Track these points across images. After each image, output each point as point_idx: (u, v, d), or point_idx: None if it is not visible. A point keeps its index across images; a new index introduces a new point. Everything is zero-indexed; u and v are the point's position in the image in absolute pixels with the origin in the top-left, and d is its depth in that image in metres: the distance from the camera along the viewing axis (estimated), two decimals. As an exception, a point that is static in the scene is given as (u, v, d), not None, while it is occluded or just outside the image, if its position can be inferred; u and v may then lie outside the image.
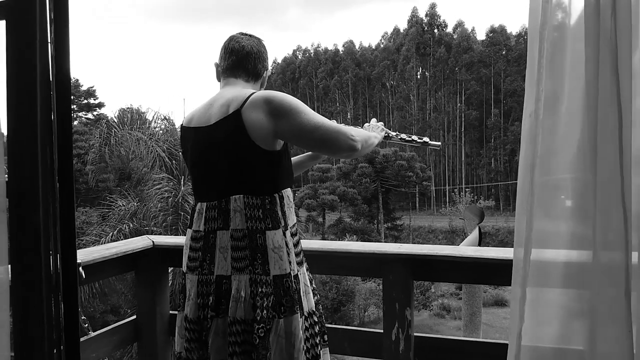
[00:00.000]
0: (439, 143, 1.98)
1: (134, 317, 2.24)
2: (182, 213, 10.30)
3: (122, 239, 9.58)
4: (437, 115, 62.88)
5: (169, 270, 5.63)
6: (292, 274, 1.52)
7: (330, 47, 71.69)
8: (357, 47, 70.92)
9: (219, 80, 1.72)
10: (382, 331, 1.92)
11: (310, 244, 1.95)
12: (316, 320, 1.61)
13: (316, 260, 1.87)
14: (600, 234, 1.03)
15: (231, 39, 1.70)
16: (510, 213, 50.56)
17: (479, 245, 3.84)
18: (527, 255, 1.11)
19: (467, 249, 1.88)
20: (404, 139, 1.91)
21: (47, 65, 1.10)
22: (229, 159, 1.53)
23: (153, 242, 2.19)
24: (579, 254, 1.08)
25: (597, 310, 1.05)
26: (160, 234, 9.67)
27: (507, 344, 1.88)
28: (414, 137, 1.93)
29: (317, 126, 1.52)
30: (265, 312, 1.45)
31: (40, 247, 1.07)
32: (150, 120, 12.00)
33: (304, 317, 1.55)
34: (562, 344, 1.12)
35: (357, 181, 36.42)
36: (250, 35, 1.72)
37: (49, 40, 1.12)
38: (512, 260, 1.77)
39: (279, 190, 1.56)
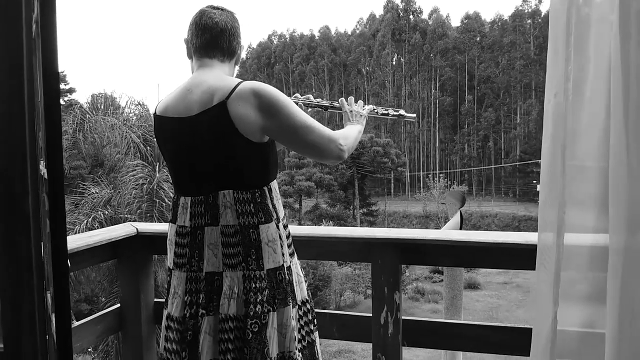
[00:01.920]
0: (414, 115, 1.99)
1: (118, 305, 2.20)
2: (157, 200, 10.15)
3: (97, 227, 9.41)
4: (412, 102, 63.26)
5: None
6: (285, 266, 1.51)
7: (306, 33, 71.20)
8: (332, 32, 70.59)
9: (190, 58, 1.62)
10: (370, 315, 1.93)
11: (299, 229, 1.94)
12: (309, 308, 1.60)
13: (305, 246, 1.87)
14: (629, 217, 1.02)
15: (202, 14, 1.56)
16: (483, 198, 51.51)
17: (460, 229, 3.90)
18: (560, 239, 1.10)
19: (454, 232, 1.90)
20: (381, 112, 1.89)
21: (32, 46, 1.05)
22: (216, 152, 1.46)
23: (137, 229, 2.14)
24: (606, 238, 1.07)
25: (626, 295, 1.04)
26: (134, 221, 9.53)
27: (493, 326, 1.92)
28: (390, 111, 1.91)
29: (309, 131, 1.49)
30: (259, 307, 1.42)
31: (31, 235, 1.04)
32: (124, 106, 11.76)
33: (297, 306, 1.54)
34: (586, 328, 1.13)
35: (333, 167, 36.49)
36: (222, 9, 1.59)
37: (34, 20, 1.07)
38: (499, 243, 1.81)
39: (267, 182, 1.52)
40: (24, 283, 1.08)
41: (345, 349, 15.36)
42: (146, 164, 10.75)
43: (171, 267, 1.56)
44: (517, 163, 53.11)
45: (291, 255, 1.57)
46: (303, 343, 1.55)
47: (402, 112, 1.91)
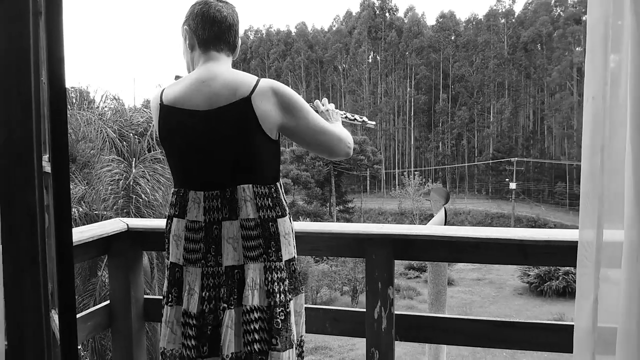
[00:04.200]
0: (374, 122, 2.12)
1: (108, 302, 2.17)
2: (134, 196, 9.99)
3: (72, 225, 9.20)
4: (387, 100, 63.71)
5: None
6: (295, 257, 1.59)
7: (283, 29, 70.93)
8: (309, 29, 70.48)
9: (192, 49, 1.60)
10: (364, 310, 1.95)
11: (294, 225, 1.94)
12: None
13: (299, 241, 1.87)
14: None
15: (209, 6, 1.55)
16: (457, 195, 52.22)
17: (445, 224, 3.98)
18: (600, 235, 1.13)
19: (447, 228, 1.93)
20: (349, 117, 1.98)
21: (37, 38, 1.03)
22: (237, 147, 1.48)
23: (127, 225, 2.11)
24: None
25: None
26: (110, 217, 9.37)
27: (486, 320, 1.96)
28: (356, 117, 2.00)
29: (322, 131, 1.57)
30: (282, 296, 1.48)
31: (37, 226, 1.02)
32: (99, 100, 11.53)
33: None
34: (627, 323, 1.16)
35: (310, 164, 36.57)
36: (225, 2, 1.60)
37: (40, 11, 1.05)
38: (491, 239, 1.84)
39: (278, 178, 1.58)
40: (26, 278, 1.07)
41: (322, 345, 15.41)
42: (122, 160, 10.58)
43: (181, 264, 1.54)
44: (490, 161, 54.03)
45: (296, 247, 1.64)
46: None
47: (365, 118, 2.03)
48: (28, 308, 1.05)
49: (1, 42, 0.99)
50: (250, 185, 1.49)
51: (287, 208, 1.57)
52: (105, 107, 11.55)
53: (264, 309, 1.47)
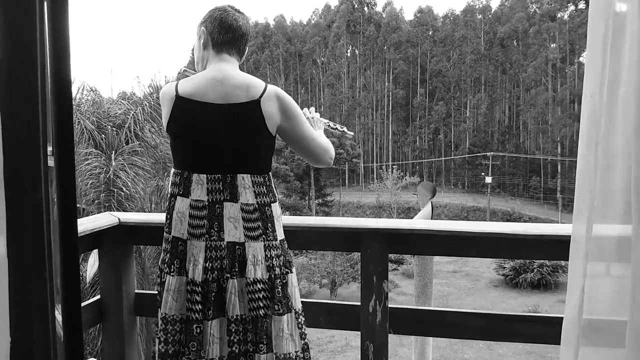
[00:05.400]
0: (352, 133, 2.32)
1: (98, 297, 2.15)
2: (115, 190, 9.83)
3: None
4: (366, 94, 63.85)
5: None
6: (285, 238, 1.77)
7: (261, 21, 70.38)
8: (288, 22, 70.09)
9: (204, 48, 1.79)
10: (358, 304, 1.97)
11: (290, 219, 1.95)
12: None
13: (295, 235, 1.88)
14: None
15: (227, 13, 1.76)
16: (434, 189, 52.65)
17: (432, 218, 4.04)
18: (589, 230, 1.15)
19: (441, 223, 1.96)
20: (331, 126, 2.13)
21: (43, 26, 1.01)
22: (245, 140, 1.67)
23: (119, 219, 2.09)
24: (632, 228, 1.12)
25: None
26: (92, 212, 9.21)
27: (477, 313, 2.00)
28: (337, 126, 2.18)
29: (311, 140, 1.78)
30: (279, 269, 1.69)
31: (43, 221, 0.99)
32: (76, 91, 11.24)
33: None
34: (614, 316, 1.18)
35: (289, 158, 36.48)
36: (242, 13, 1.81)
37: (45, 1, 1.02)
38: (484, 233, 1.88)
39: (271, 169, 1.77)
40: (33, 274, 1.04)
41: (301, 339, 15.43)
42: (100, 152, 10.38)
43: (185, 238, 1.70)
44: (466, 155, 54.73)
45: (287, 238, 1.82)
46: None
47: (345, 128, 2.22)
48: (34, 304, 1.02)
49: (7, 30, 0.96)
50: (249, 175, 1.68)
51: (276, 195, 1.76)
52: (82, 98, 11.29)
53: (266, 281, 1.67)
